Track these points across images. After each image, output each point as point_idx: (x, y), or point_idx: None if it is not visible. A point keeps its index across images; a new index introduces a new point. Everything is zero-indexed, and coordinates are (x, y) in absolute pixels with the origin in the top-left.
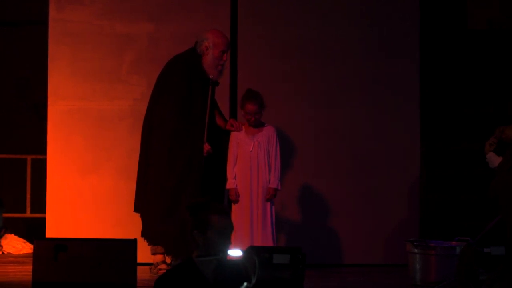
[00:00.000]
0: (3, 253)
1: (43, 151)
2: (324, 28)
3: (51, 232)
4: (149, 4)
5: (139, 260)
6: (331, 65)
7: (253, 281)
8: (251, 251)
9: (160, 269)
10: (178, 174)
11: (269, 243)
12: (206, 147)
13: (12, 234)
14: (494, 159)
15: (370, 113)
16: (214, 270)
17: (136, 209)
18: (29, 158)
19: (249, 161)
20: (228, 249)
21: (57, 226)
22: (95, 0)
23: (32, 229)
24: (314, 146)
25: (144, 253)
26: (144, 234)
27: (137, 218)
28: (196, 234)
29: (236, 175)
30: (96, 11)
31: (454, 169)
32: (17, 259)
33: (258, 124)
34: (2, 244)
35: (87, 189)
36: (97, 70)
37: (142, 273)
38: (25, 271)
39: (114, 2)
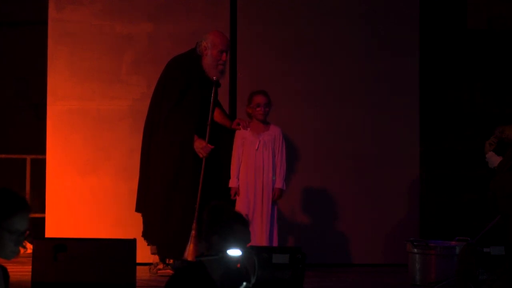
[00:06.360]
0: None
1: (43, 151)
2: (324, 28)
3: (50, 232)
4: (148, 4)
5: (138, 260)
6: (331, 65)
7: (253, 281)
8: (250, 251)
9: (159, 269)
10: (170, 175)
11: (272, 242)
12: (206, 146)
13: None
14: (494, 159)
15: (370, 112)
16: (222, 273)
17: (137, 209)
18: (28, 158)
19: (254, 160)
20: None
21: (56, 226)
22: (94, 0)
23: (32, 229)
24: (313, 146)
25: (144, 252)
26: (144, 234)
27: (136, 218)
28: (216, 239)
29: (241, 174)
30: (95, 11)
31: (454, 169)
32: (16, 259)
33: (264, 121)
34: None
35: (87, 189)
36: (97, 70)
37: (142, 273)
38: (25, 271)
39: (114, 2)
